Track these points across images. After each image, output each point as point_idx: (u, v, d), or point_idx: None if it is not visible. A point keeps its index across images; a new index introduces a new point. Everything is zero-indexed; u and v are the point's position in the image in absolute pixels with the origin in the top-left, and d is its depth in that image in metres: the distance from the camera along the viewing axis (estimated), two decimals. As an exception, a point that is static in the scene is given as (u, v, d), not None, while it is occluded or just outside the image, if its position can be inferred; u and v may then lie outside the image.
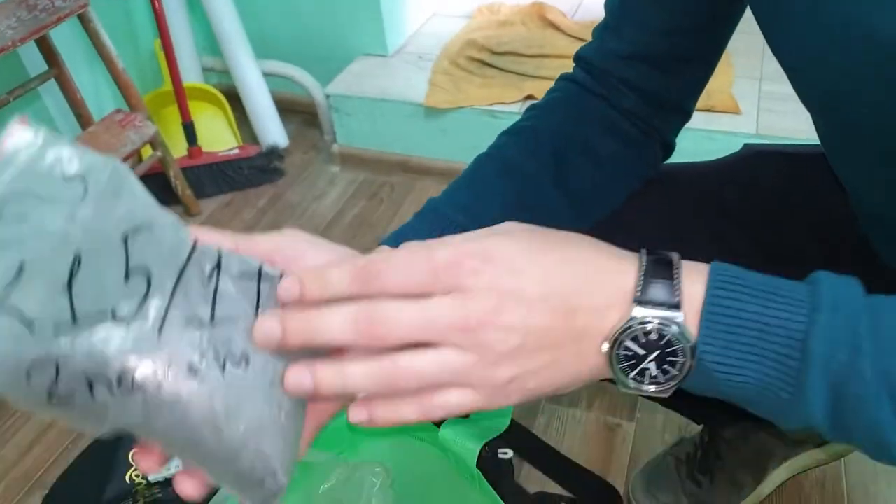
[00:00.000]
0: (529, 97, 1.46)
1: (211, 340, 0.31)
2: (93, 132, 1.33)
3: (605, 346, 0.32)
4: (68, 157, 0.31)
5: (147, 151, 1.46)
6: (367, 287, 0.31)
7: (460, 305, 0.30)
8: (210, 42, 1.77)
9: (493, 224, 0.45)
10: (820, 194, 0.55)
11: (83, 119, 1.42)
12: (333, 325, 0.31)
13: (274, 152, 1.65)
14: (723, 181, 0.58)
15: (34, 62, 1.37)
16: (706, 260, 0.54)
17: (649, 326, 0.31)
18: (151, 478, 0.88)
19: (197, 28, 1.74)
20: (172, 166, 1.48)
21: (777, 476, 0.86)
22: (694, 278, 0.32)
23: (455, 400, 0.31)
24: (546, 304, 0.31)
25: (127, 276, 0.30)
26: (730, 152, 0.62)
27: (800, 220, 0.55)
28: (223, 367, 0.31)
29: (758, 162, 0.59)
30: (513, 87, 1.49)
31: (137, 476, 0.90)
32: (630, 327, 0.31)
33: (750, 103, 1.37)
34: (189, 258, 0.32)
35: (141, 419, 0.29)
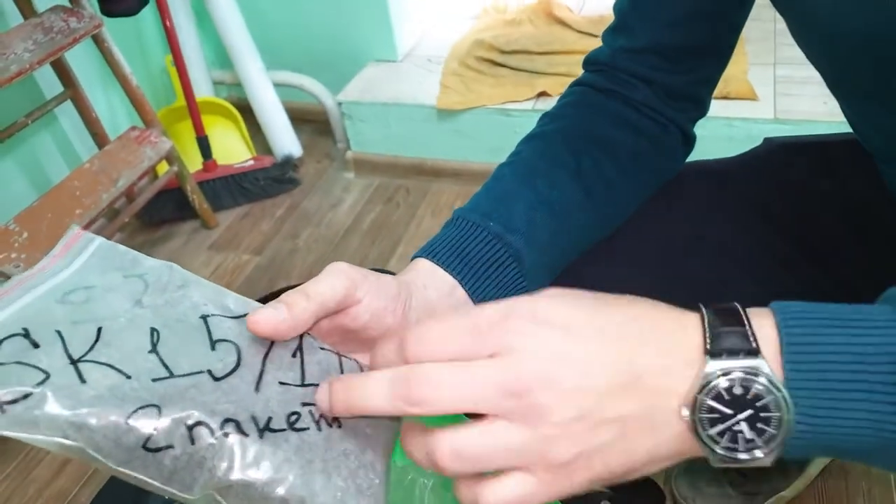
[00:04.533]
0: (543, 94, 1.46)
1: (305, 401, 0.32)
2: (109, 151, 1.34)
3: (685, 411, 0.27)
4: (127, 259, 0.33)
5: (163, 167, 1.47)
6: (407, 354, 0.29)
7: (506, 366, 0.27)
8: (220, 56, 1.78)
9: (523, 229, 0.45)
10: (850, 182, 0.54)
11: (99, 138, 1.43)
12: (372, 393, 0.29)
13: (288, 162, 1.65)
14: (751, 179, 0.56)
15: (50, 84, 1.38)
16: (749, 268, 0.53)
17: (732, 380, 0.27)
18: (189, 491, 0.88)
19: (206, 42, 1.75)
20: (189, 181, 1.49)
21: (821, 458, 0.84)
22: (761, 321, 0.28)
23: (511, 489, 0.28)
24: (604, 366, 0.27)
25: (213, 347, 0.31)
26: (749, 138, 0.61)
27: (834, 212, 0.54)
28: (318, 424, 0.31)
29: (782, 156, 0.57)
30: (525, 85, 1.49)
31: (175, 490, 0.89)
32: (709, 383, 0.27)
33: (766, 89, 1.36)
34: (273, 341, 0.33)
35: (238, 469, 0.28)
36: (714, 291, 0.51)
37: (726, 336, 0.28)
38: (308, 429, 0.31)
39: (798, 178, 0.56)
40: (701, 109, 0.56)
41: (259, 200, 1.63)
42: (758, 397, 0.27)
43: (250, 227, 1.57)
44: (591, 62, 0.55)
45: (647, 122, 0.52)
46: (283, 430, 0.30)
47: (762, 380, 0.27)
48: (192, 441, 0.27)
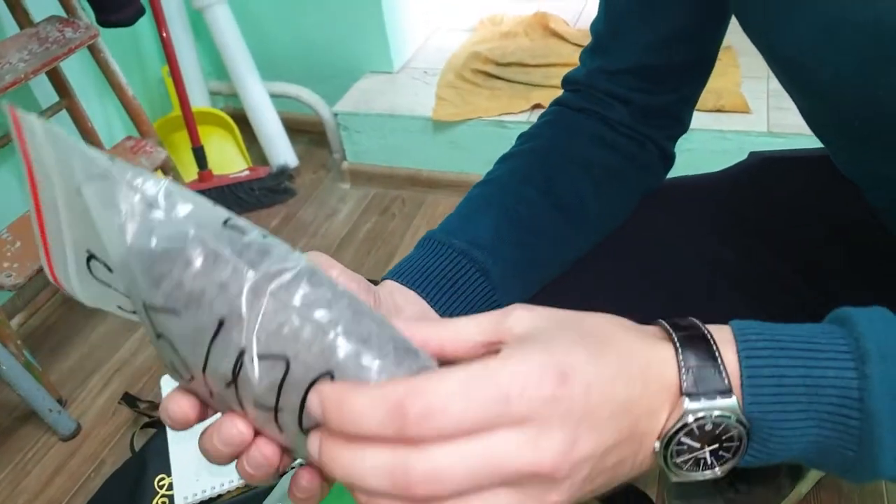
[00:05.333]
0: (537, 106, 1.46)
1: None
2: (105, 160, 1.34)
3: (657, 445, 0.29)
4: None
5: (158, 177, 1.47)
6: (409, 431, 0.25)
7: (533, 446, 0.25)
8: (216, 66, 1.79)
9: (488, 244, 0.45)
10: (833, 196, 0.54)
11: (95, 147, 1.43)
12: (366, 473, 0.25)
13: (284, 172, 1.65)
14: (736, 193, 0.57)
15: (45, 94, 1.38)
16: (734, 280, 0.53)
17: (706, 419, 0.28)
18: None
19: (203, 53, 1.75)
20: (184, 191, 1.48)
21: (814, 473, 0.84)
22: (725, 351, 0.29)
23: None
24: (614, 423, 0.27)
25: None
26: (742, 151, 0.61)
27: (818, 225, 0.54)
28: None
29: (767, 170, 0.58)
30: (520, 97, 1.49)
31: (164, 503, 0.89)
32: (685, 425, 0.28)
33: (759, 102, 1.37)
34: None
35: (297, 270, 0.29)
36: (700, 304, 0.51)
37: (701, 375, 0.29)
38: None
39: (782, 191, 0.56)
40: (680, 126, 0.56)
41: (254, 210, 1.63)
42: (725, 431, 0.29)
43: (245, 237, 1.57)
44: (569, 82, 0.55)
45: (622, 140, 0.52)
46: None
47: (733, 418, 0.29)
48: (265, 237, 0.30)
